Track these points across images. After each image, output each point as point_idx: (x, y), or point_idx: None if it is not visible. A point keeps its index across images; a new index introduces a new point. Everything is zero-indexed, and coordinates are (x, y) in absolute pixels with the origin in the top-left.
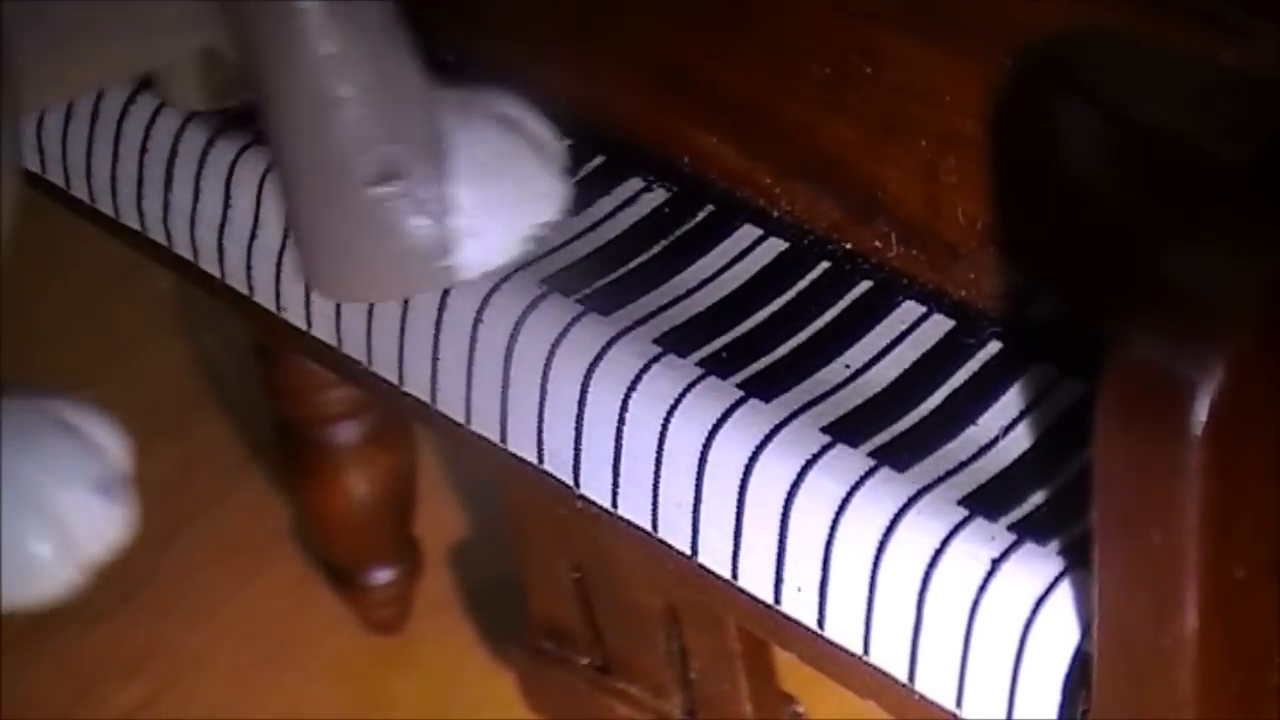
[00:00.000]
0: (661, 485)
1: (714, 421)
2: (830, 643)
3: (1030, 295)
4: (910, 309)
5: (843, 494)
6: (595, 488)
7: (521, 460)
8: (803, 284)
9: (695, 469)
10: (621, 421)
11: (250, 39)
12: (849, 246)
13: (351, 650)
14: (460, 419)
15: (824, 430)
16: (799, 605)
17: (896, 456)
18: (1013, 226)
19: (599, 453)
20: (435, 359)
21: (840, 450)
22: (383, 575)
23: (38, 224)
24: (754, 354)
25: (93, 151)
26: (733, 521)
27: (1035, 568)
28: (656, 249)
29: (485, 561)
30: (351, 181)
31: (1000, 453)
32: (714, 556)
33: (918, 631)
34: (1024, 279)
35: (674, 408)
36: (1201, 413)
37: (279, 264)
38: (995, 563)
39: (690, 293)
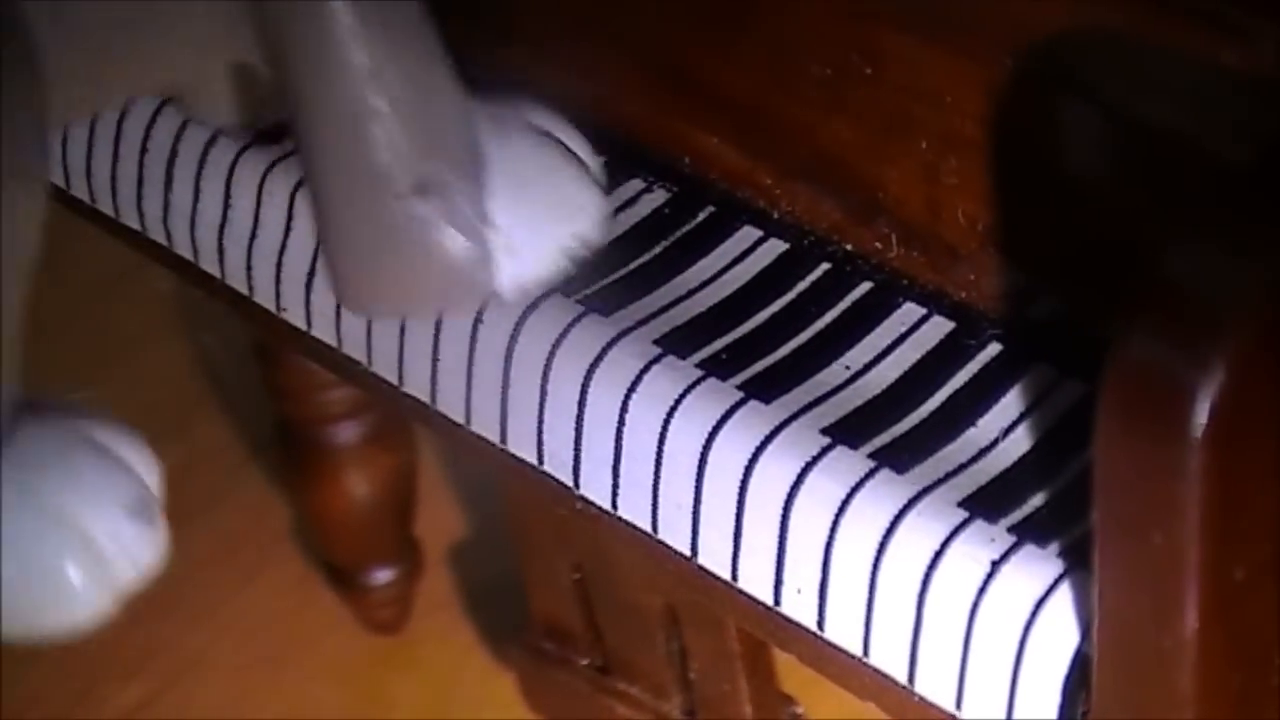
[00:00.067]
0: (661, 486)
1: (714, 423)
2: (830, 644)
3: (1030, 297)
4: (910, 310)
5: (843, 495)
6: (595, 489)
7: (521, 461)
8: (803, 285)
9: (695, 470)
10: (621, 422)
11: (284, 52)
12: (849, 248)
13: (352, 650)
14: (460, 419)
15: (824, 432)
16: (799, 606)
17: (896, 458)
18: (1013, 228)
19: (599, 453)
20: (435, 359)
21: (840, 452)
22: (383, 575)
23: None
24: (754, 355)
25: (93, 152)
26: (733, 523)
27: (1035, 569)
28: (657, 250)
29: (485, 562)
30: (386, 195)
31: (1000, 454)
32: (714, 558)
33: (917, 633)
34: (1024, 280)
35: (674, 409)
36: (1202, 414)
37: (279, 264)
38: (995, 564)
39: (690, 293)
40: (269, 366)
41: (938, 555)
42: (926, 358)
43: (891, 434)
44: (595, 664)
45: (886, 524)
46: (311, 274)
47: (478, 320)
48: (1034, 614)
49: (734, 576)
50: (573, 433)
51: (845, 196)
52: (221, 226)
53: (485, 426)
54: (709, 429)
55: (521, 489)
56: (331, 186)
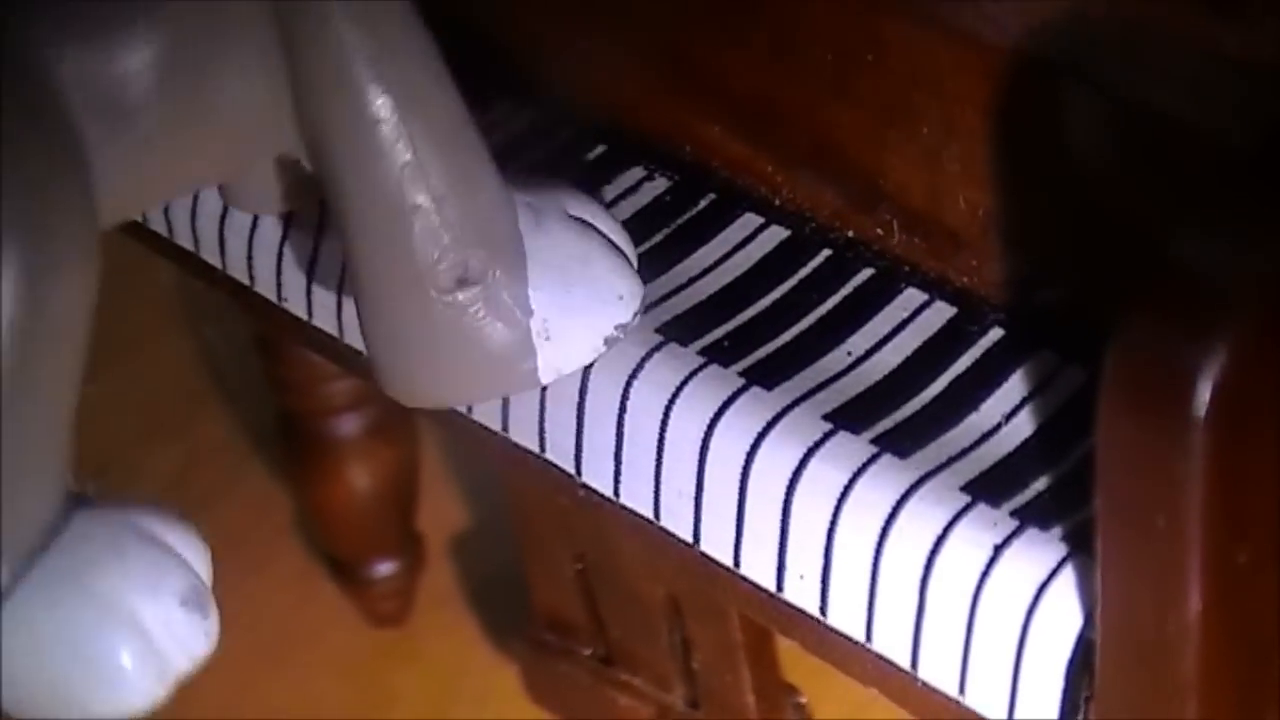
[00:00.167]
0: (663, 474)
1: (716, 409)
2: (833, 630)
3: (1032, 282)
4: (912, 296)
5: (845, 481)
6: (597, 477)
7: (523, 449)
8: (804, 272)
9: (697, 457)
10: (623, 410)
11: (325, 146)
12: (851, 234)
13: (354, 644)
14: (462, 408)
15: (826, 418)
16: (801, 593)
17: (899, 443)
18: (1015, 214)
19: (600, 441)
20: None
21: (842, 437)
22: (385, 568)
23: None
24: (756, 342)
25: None
26: (735, 509)
27: (1038, 554)
28: (658, 238)
29: (487, 555)
30: (428, 287)
31: (1002, 439)
32: (716, 545)
33: (920, 618)
34: (1026, 266)
35: (675, 396)
36: (1205, 396)
37: (280, 255)
38: (998, 549)
39: (692, 281)
40: (270, 359)
41: (940, 540)
42: (928, 344)
43: (893, 419)
44: (598, 655)
45: (889, 509)
46: (313, 264)
47: None
48: (1037, 598)
49: (736, 563)
50: (574, 420)
51: (846, 183)
52: (222, 217)
53: (486, 415)
54: (711, 416)
55: (523, 478)
56: (373, 277)
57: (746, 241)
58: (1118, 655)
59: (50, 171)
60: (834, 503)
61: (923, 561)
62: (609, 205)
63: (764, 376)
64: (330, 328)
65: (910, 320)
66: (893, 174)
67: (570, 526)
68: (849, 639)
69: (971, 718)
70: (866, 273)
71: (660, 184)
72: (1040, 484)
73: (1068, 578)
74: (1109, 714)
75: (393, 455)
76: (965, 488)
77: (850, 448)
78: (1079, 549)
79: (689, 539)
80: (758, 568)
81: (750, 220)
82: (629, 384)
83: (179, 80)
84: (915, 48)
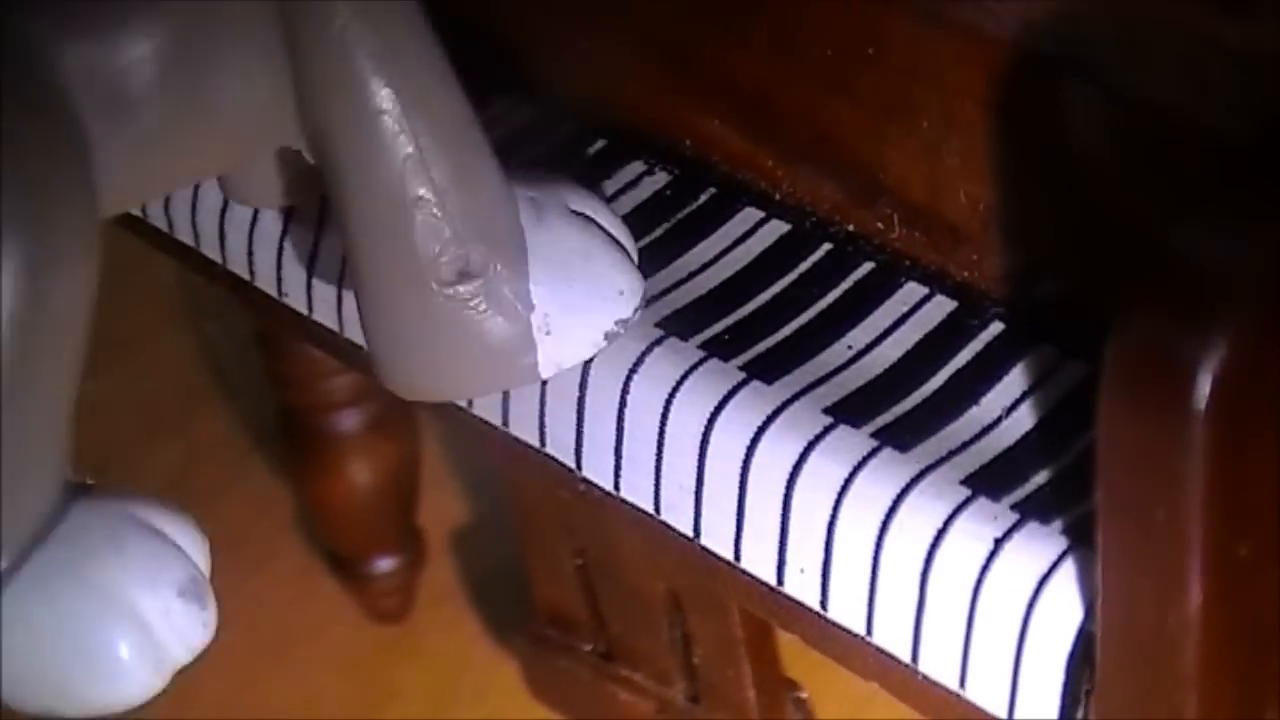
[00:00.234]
0: (664, 468)
1: (716, 403)
2: (833, 624)
3: (1033, 276)
4: (912, 290)
5: (845, 475)
6: (597, 471)
7: (523, 444)
8: (805, 266)
9: (697, 451)
10: (623, 404)
11: (327, 139)
12: (851, 228)
13: (356, 640)
14: (462, 403)
15: (826, 411)
16: (802, 587)
17: (899, 437)
18: (1015, 208)
19: (601, 435)
20: None
21: (843, 431)
22: (386, 564)
23: None
24: (756, 336)
25: None
26: (735, 503)
27: (1038, 547)
28: (658, 232)
29: (488, 550)
30: (429, 281)
31: (1003, 433)
32: (716, 539)
33: (921, 612)
34: (1026, 260)
35: (676, 390)
36: (1205, 389)
37: (280, 250)
38: (998, 542)
39: (692, 275)
40: (271, 355)
41: (941, 533)
42: (929, 337)
43: (894, 413)
44: (599, 651)
45: (889, 503)
46: (313, 258)
47: None
48: (1037, 592)
49: (737, 557)
50: (574, 415)
51: (847, 177)
52: (223, 212)
53: (487, 409)
54: (711, 410)
55: (523, 473)
56: (373, 271)
57: (747, 236)
58: (1118, 649)
59: (51, 165)
60: (834, 497)
61: (923, 555)
62: (609, 200)
63: (764, 370)
64: (331, 323)
65: (911, 314)
66: (893, 168)
67: (571, 521)
68: (850, 633)
69: (972, 712)
70: (867, 267)
71: (660, 178)
72: (1041, 478)
73: (1068, 571)
74: (1109, 708)
75: (393, 450)
76: (966, 481)
77: (851, 441)
78: (1080, 543)
79: (689, 533)
80: (758, 562)
81: (750, 214)
82: (629, 378)
83: (180, 74)
84: (915, 42)
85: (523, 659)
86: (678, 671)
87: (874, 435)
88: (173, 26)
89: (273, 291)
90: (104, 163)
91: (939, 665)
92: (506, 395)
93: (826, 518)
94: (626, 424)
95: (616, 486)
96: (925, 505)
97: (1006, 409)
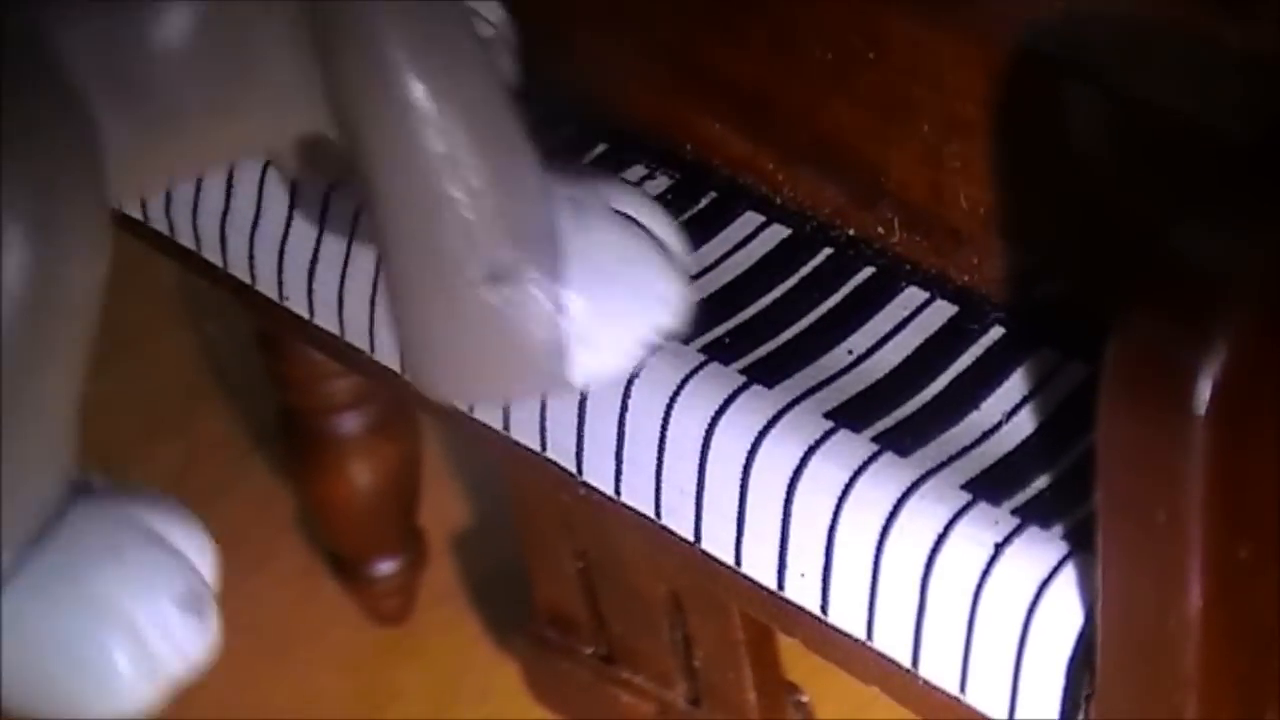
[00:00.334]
0: (664, 472)
1: (717, 407)
2: (834, 628)
3: (1033, 279)
4: (913, 294)
5: (846, 479)
6: (598, 475)
7: (524, 448)
8: (805, 270)
9: (698, 455)
10: (624, 408)
11: (358, 135)
12: (852, 232)
13: (357, 641)
14: (463, 405)
15: (827, 416)
16: (802, 591)
17: (899, 442)
18: (1016, 211)
19: (602, 439)
20: None
21: (843, 435)
22: (387, 566)
23: None
24: (757, 340)
25: None
26: (736, 508)
27: (1038, 552)
28: None
29: (489, 551)
30: (462, 282)
31: (1003, 438)
32: (717, 543)
33: (921, 616)
34: (1027, 264)
35: (677, 394)
36: (1205, 393)
37: (281, 253)
38: (998, 547)
39: (693, 279)
40: (272, 356)
41: (941, 538)
42: (929, 342)
43: (894, 418)
44: (600, 653)
45: (890, 507)
46: (314, 262)
47: None
48: (1037, 596)
49: (737, 561)
50: (575, 419)
51: (847, 181)
52: (224, 215)
53: (488, 412)
54: (712, 414)
55: (524, 476)
56: (405, 270)
57: (747, 240)
58: (1118, 652)
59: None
60: (835, 501)
61: (924, 559)
62: None
63: (765, 374)
64: (331, 325)
65: (911, 318)
66: (894, 171)
67: (572, 523)
68: (850, 637)
69: (973, 715)
70: (867, 271)
71: (661, 182)
72: (1041, 482)
73: (1069, 575)
74: (1110, 711)
75: (394, 452)
76: (966, 486)
77: (851, 446)
78: (1080, 546)
79: (690, 537)
80: (759, 566)
81: (751, 218)
82: (630, 382)
83: (209, 62)
84: (916, 44)
85: (523, 660)
86: (678, 673)
87: (875, 440)
88: (202, 14)
89: (274, 295)
90: (120, 150)
91: (940, 669)
92: None
93: (827, 522)
94: (627, 428)
95: (617, 491)
96: (926, 510)
97: (1007, 414)
